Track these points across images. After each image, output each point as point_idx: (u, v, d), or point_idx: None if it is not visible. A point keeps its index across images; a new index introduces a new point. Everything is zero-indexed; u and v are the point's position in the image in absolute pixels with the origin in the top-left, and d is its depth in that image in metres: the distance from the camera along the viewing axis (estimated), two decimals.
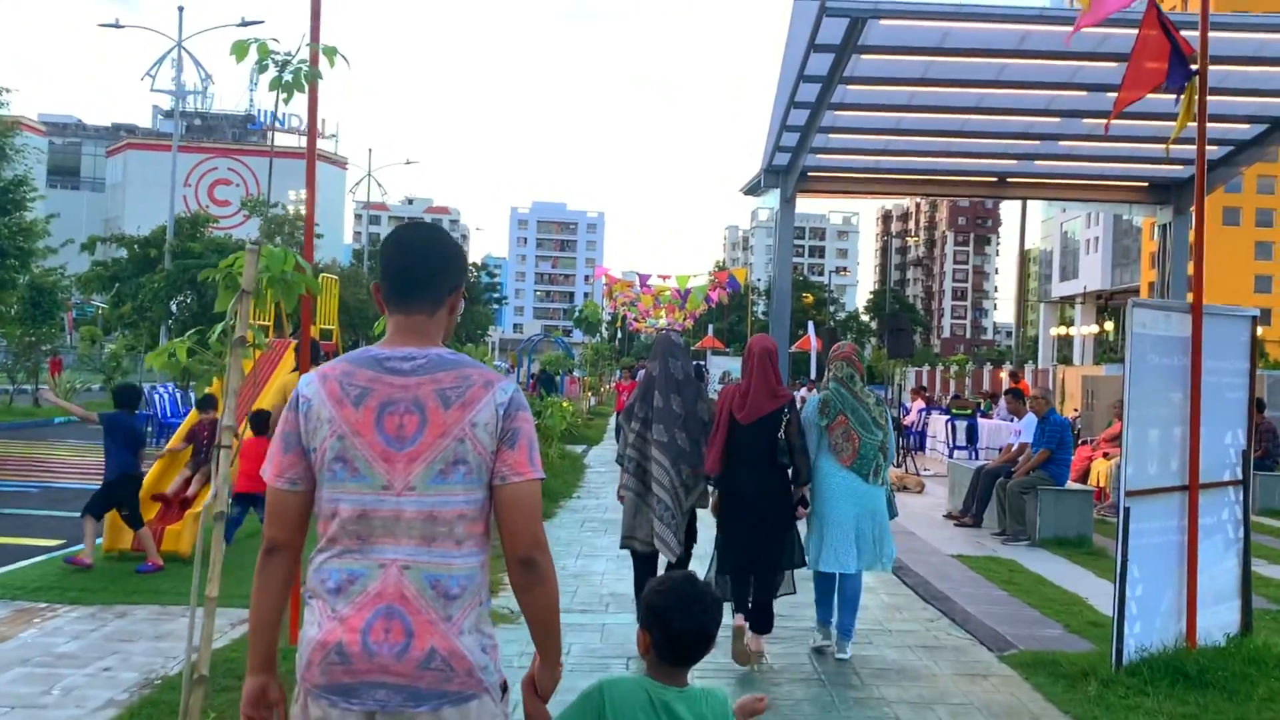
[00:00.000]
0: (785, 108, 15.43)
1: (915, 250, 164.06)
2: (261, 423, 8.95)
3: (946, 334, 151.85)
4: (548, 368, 28.48)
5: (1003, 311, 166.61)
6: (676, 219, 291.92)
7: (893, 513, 6.40)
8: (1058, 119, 15.47)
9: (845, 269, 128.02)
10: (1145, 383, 5.80)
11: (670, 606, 2.47)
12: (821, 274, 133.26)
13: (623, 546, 6.33)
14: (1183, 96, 6.08)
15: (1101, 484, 13.06)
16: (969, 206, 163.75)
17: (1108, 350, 71.14)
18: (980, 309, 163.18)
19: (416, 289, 2.35)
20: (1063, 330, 70.78)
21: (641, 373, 22.41)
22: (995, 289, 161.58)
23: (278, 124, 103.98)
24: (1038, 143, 16.57)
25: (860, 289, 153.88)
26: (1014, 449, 11.40)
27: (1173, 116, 15.32)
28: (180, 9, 30.98)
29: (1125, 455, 5.77)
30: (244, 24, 31.75)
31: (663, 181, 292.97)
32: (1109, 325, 68.46)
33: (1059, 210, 76.79)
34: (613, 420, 30.58)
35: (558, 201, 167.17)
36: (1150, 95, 14.87)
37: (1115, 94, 14.61)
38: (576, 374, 32.69)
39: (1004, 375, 46.91)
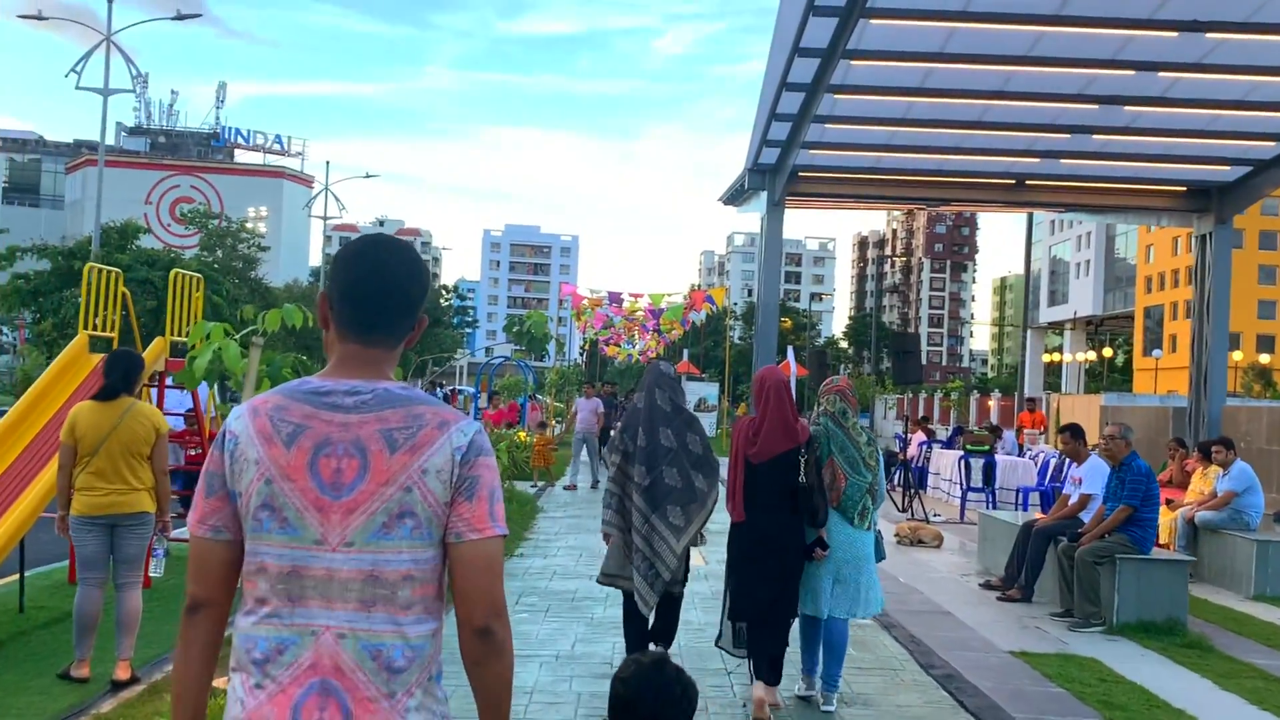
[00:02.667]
0: (775, 92, 13.08)
1: (891, 276, 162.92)
2: None
3: (924, 361, 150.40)
4: (503, 392, 25.96)
5: (979, 339, 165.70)
6: (652, 243, 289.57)
7: (880, 555, 6.02)
8: (1095, 106, 13.21)
9: (823, 294, 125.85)
10: None
11: (637, 698, 2.30)
12: (798, 300, 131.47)
13: (601, 582, 6.06)
14: None
15: (1162, 541, 10.65)
16: (945, 233, 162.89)
17: (1092, 378, 69.28)
18: (957, 336, 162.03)
19: (386, 320, 2.05)
20: (1056, 356, 68.52)
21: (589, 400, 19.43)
22: (972, 316, 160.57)
23: (242, 140, 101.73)
24: (1067, 136, 14.31)
25: (836, 315, 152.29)
26: (1072, 503, 8.97)
27: (1220, 105, 13.23)
28: (110, 0, 28.33)
29: None
30: (179, 18, 29.22)
31: (639, 206, 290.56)
32: (1107, 351, 66.27)
33: (1048, 233, 74.85)
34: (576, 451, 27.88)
35: (531, 224, 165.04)
36: (1199, 77, 12.63)
37: (1171, 74, 12.48)
38: (540, 398, 30.03)
39: (991, 404, 44.71)
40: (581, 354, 60.42)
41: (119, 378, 5.73)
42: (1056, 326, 76.08)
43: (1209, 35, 11.34)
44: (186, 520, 1.78)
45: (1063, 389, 61.37)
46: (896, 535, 11.90)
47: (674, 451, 5.70)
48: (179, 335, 8.16)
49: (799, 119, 13.54)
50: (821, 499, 5.68)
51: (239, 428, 1.99)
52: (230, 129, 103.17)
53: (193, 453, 9.79)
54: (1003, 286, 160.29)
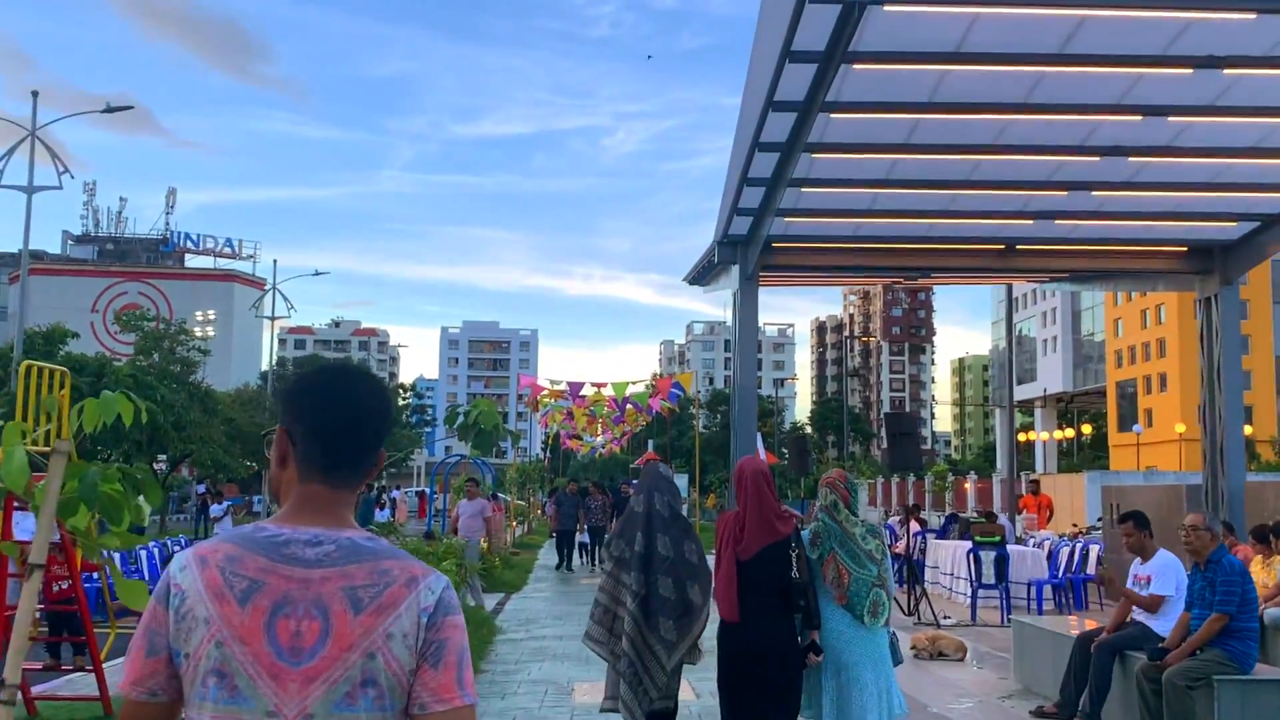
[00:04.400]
0: (747, 152, 11.83)
1: (851, 361, 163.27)
2: None
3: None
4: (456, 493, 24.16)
5: (941, 420, 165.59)
6: (611, 335, 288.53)
7: (897, 659, 5.75)
8: (1097, 158, 12.08)
9: (785, 380, 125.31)
10: None
11: None
12: (760, 386, 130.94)
13: (602, 709, 5.92)
14: None
15: None
16: (903, 315, 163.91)
17: (1063, 455, 68.38)
18: (919, 418, 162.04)
19: (355, 458, 1.89)
20: (1033, 435, 67.41)
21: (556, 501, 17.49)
22: (933, 398, 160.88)
23: (192, 244, 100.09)
24: (1064, 194, 13.18)
25: (797, 401, 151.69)
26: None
27: (1231, 153, 12.16)
28: (35, 93, 26.95)
29: None
30: (109, 110, 27.84)
31: (596, 300, 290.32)
32: (1086, 429, 65.34)
33: (1013, 309, 74.57)
34: (545, 550, 26.02)
35: (490, 320, 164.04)
36: (1212, 120, 11.53)
37: (1182, 118, 11.35)
38: (501, 498, 28.25)
39: (968, 486, 43.38)
40: (544, 449, 58.65)
41: None
42: (1026, 405, 75.27)
43: (1226, 72, 10.26)
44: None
45: (1037, 468, 60.23)
46: (914, 648, 10.31)
47: (670, 561, 5.57)
48: (35, 444, 6.51)
49: (774, 182, 12.31)
50: (815, 599, 5.42)
51: (185, 581, 1.78)
52: (180, 233, 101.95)
53: (61, 587, 8.04)
54: (961, 367, 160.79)
